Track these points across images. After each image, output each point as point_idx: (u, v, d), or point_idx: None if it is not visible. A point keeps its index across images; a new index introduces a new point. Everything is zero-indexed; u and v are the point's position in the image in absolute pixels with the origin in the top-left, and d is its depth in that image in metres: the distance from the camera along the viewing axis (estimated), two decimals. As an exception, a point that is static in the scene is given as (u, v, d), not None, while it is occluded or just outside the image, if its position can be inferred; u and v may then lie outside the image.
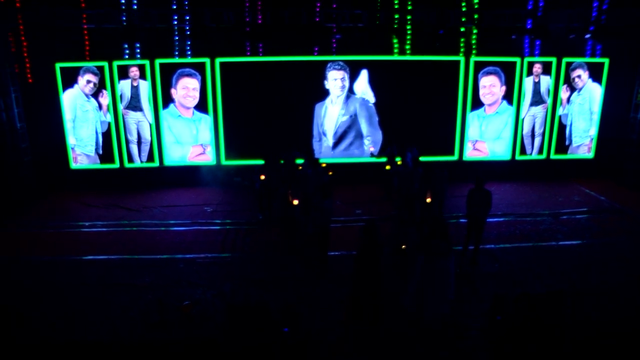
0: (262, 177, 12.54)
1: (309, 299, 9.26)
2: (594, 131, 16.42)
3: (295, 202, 10.87)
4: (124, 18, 14.45)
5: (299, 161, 13.37)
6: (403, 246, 9.43)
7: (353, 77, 15.38)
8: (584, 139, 16.46)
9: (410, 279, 7.88)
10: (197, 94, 15.29)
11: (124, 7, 14.59)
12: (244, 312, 7.87)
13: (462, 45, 15.61)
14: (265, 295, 9.44)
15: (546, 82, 15.87)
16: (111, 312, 8.87)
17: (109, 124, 15.31)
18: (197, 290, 9.58)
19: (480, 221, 10.40)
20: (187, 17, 14.78)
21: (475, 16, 15.08)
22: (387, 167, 13.50)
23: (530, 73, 15.74)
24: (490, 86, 15.70)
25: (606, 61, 15.92)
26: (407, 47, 15.49)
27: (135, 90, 15.17)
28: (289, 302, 8.74)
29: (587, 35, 15.35)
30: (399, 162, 12.81)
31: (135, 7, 14.64)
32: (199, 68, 15.13)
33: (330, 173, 12.27)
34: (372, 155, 14.97)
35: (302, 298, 9.27)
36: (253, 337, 7.84)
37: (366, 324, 8.07)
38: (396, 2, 15.11)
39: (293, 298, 9.26)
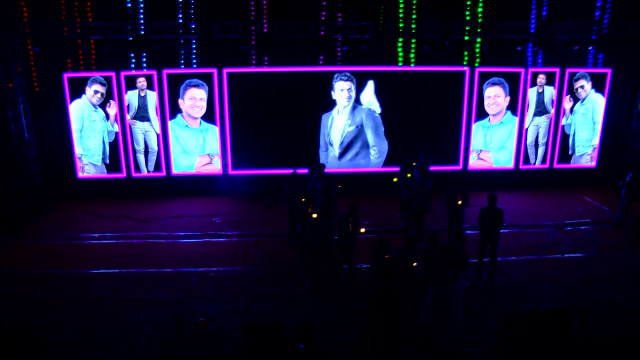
0: (315, 215, 10.35)
1: (324, 314, 9.40)
2: (596, 141, 16.59)
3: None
4: (130, 28, 14.56)
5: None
6: (414, 264, 9.56)
7: (359, 88, 15.50)
8: (586, 149, 16.64)
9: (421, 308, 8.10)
10: (204, 105, 15.39)
11: (131, 18, 14.71)
12: (260, 330, 8.01)
13: (466, 56, 15.75)
14: (280, 310, 9.58)
15: (550, 92, 16.04)
16: (127, 328, 9.00)
17: (116, 133, 15.41)
18: (211, 306, 9.71)
19: (494, 238, 10.56)
20: (193, 26, 14.90)
21: (479, 30, 15.25)
22: (395, 179, 13.61)
23: (534, 83, 15.90)
24: (495, 96, 15.86)
25: (609, 72, 16.09)
26: (412, 57, 15.62)
27: (142, 100, 15.26)
28: (304, 319, 8.89)
29: (591, 47, 15.53)
30: (408, 175, 12.93)
31: (142, 18, 14.75)
32: (207, 79, 15.24)
33: (340, 186, 12.35)
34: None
35: (317, 313, 9.41)
36: (269, 355, 7.98)
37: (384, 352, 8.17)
38: (401, 13, 15.26)
39: (307, 314, 9.39)
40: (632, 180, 13.36)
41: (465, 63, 15.78)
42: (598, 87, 16.18)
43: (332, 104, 15.60)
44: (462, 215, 11.94)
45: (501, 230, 10.78)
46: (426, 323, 7.99)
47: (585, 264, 11.57)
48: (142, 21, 14.80)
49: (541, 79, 15.91)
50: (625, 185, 13.39)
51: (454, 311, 7.91)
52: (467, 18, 15.47)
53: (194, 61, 15.55)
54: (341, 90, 15.44)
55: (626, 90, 16.40)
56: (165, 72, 15.09)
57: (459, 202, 11.68)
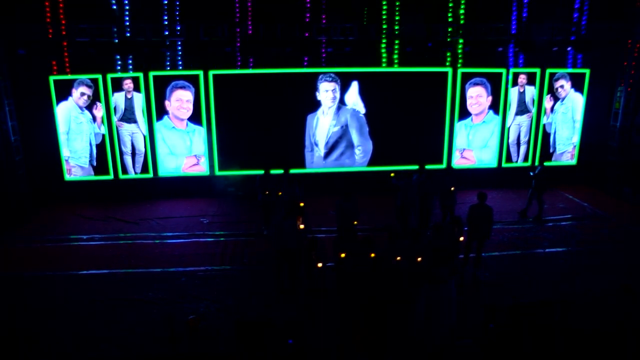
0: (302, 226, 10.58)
1: (312, 311, 9.59)
2: (576, 139, 16.97)
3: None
4: (115, 30, 14.62)
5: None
6: (398, 257, 9.83)
7: (344, 89, 15.72)
8: (567, 147, 17.01)
9: (415, 309, 8.32)
10: (190, 106, 15.50)
11: (117, 21, 14.77)
12: (251, 328, 8.17)
13: (449, 57, 16.04)
14: (268, 308, 9.76)
15: (531, 92, 16.40)
16: (119, 328, 9.12)
17: (103, 135, 15.45)
18: (201, 304, 9.86)
19: (483, 235, 10.85)
20: (179, 28, 14.99)
21: (461, 31, 15.54)
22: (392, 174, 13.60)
23: (515, 83, 16.25)
24: (477, 96, 16.17)
25: (587, 72, 16.48)
26: (396, 58, 15.87)
27: (129, 102, 15.33)
28: (292, 316, 9.09)
29: (569, 48, 15.93)
30: (392, 174, 13.16)
31: (128, 21, 14.82)
32: (193, 80, 15.35)
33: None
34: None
35: (305, 311, 9.60)
36: (259, 350, 8.15)
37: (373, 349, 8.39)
38: (385, 15, 15.51)
39: (296, 311, 9.58)
40: (542, 173, 13.98)
41: (447, 64, 16.07)
42: (577, 86, 16.57)
43: (317, 104, 15.79)
44: (454, 200, 12.63)
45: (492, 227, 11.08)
46: (420, 323, 8.21)
47: (565, 258, 11.93)
48: (127, 23, 14.87)
49: (522, 79, 16.25)
50: (535, 177, 14.00)
51: (447, 311, 8.14)
52: (449, 20, 15.76)
53: (180, 63, 15.65)
54: (326, 91, 15.64)
55: (604, 90, 16.84)
56: (151, 74, 15.19)
57: (452, 189, 12.48)
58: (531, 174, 14.18)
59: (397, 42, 15.64)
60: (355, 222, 11.50)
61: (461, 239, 10.06)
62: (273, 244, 10.31)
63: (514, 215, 14.50)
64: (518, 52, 16.12)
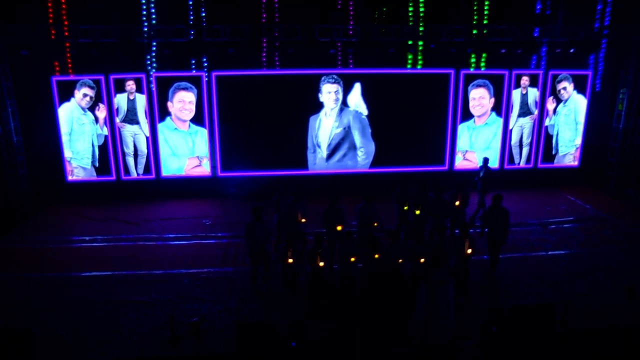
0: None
1: (313, 312, 9.58)
2: (579, 141, 16.93)
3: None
4: (118, 30, 14.64)
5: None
6: (400, 260, 9.86)
7: (346, 90, 15.71)
8: (569, 148, 16.98)
9: (415, 309, 8.32)
10: (193, 107, 15.51)
11: (119, 22, 14.78)
12: (253, 329, 8.17)
13: (452, 58, 16.02)
14: (270, 309, 9.75)
15: (533, 94, 16.38)
16: (121, 329, 9.12)
17: (106, 137, 15.46)
18: (203, 306, 9.86)
19: (502, 237, 10.82)
20: (182, 28, 15.00)
21: (475, 31, 15.51)
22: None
23: (518, 85, 16.22)
24: (480, 98, 16.16)
25: (589, 73, 16.45)
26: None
27: (131, 103, 15.34)
28: (294, 318, 9.08)
29: (572, 50, 15.92)
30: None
31: (130, 21, 14.84)
32: (195, 82, 15.36)
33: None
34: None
35: (307, 312, 9.60)
36: (262, 353, 8.15)
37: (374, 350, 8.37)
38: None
39: (297, 313, 9.57)
40: (486, 175, 14.07)
41: (450, 65, 16.03)
42: (580, 88, 16.54)
43: (319, 106, 15.78)
44: (463, 216, 12.26)
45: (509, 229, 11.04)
46: (419, 324, 8.20)
47: (568, 260, 11.89)
48: (130, 24, 14.85)
49: (525, 80, 16.23)
50: (480, 179, 14.09)
51: (446, 311, 8.13)
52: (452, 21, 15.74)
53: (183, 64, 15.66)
54: (328, 93, 15.64)
55: (607, 92, 16.81)
56: (154, 75, 15.19)
57: (457, 203, 12.03)
58: (476, 178, 14.19)
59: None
60: (375, 224, 11.22)
61: (469, 251, 9.99)
62: (247, 246, 10.32)
63: (516, 217, 14.38)
64: (521, 53, 16.09)
